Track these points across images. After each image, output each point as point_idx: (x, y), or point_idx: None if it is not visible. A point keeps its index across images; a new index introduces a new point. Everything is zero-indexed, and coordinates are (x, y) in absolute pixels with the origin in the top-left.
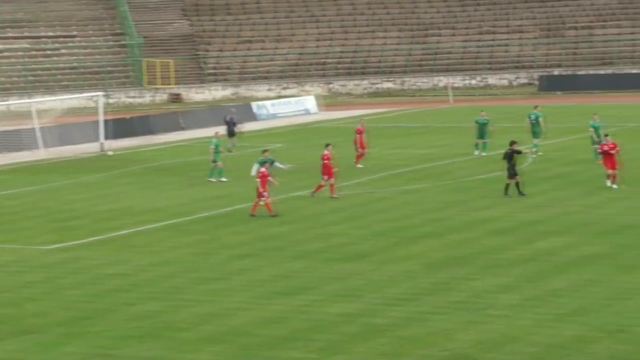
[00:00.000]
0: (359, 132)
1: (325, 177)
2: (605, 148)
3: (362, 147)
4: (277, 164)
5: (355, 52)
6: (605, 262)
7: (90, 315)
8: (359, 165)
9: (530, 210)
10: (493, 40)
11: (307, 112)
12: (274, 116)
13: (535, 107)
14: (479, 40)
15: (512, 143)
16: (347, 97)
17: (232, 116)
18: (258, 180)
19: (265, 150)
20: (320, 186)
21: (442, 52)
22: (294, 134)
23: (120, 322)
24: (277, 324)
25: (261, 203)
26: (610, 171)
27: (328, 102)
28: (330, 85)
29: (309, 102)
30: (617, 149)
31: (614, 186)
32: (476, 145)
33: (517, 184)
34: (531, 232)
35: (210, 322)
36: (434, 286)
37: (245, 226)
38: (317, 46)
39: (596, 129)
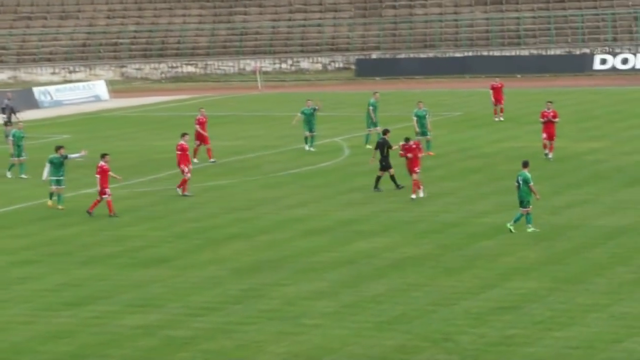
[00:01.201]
0: (200, 123)
1: (186, 168)
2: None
3: (204, 140)
4: (71, 156)
5: (151, 31)
6: (428, 265)
7: None
8: (212, 160)
9: (348, 208)
10: (305, 20)
11: (97, 99)
12: (59, 103)
13: (375, 93)
14: (290, 20)
15: (385, 132)
16: (143, 83)
17: (8, 101)
18: (98, 176)
19: (59, 147)
20: (185, 180)
21: (249, 32)
22: (82, 123)
23: None
24: (64, 339)
25: (105, 199)
26: (414, 176)
27: (121, 87)
28: (124, 69)
29: (100, 87)
30: (421, 149)
31: (421, 194)
32: (305, 139)
33: (392, 177)
34: (348, 232)
35: None
36: (243, 293)
37: (26, 228)
38: (108, 24)
39: (421, 118)
